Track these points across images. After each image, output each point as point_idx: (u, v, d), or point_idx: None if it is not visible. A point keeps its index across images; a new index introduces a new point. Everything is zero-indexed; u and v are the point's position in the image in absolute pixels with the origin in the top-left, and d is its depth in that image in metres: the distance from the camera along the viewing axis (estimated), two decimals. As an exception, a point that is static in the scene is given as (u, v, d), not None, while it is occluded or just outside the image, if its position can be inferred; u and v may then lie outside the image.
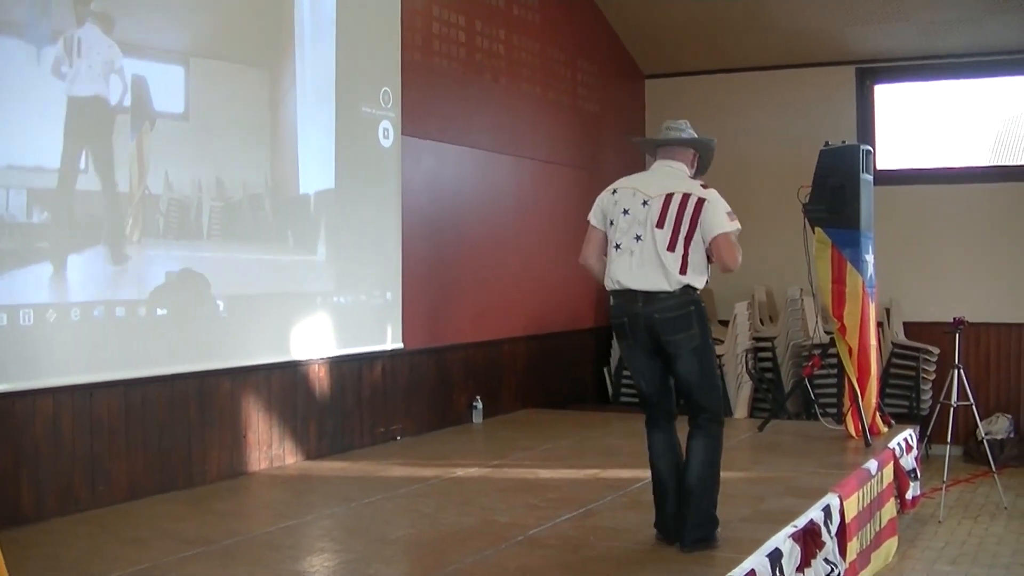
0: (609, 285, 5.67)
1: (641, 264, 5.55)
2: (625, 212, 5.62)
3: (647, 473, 7.22)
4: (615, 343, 11.70)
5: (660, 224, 5.54)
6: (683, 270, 5.52)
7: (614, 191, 5.73)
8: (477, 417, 9.67)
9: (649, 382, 5.76)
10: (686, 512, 5.54)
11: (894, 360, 11.30)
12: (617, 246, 5.62)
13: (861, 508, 6.92)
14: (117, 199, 6.42)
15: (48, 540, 5.64)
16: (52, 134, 6.06)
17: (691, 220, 5.53)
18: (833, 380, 10.28)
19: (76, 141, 6.20)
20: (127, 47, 6.50)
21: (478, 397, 9.71)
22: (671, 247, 5.52)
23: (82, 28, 6.21)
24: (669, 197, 5.57)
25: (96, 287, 6.30)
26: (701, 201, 5.56)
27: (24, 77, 5.88)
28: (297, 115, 7.77)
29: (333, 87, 8.06)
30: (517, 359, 10.49)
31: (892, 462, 8.00)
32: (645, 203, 5.59)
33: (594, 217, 5.78)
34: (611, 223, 5.66)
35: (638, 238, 5.56)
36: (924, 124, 12.28)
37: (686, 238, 5.52)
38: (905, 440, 8.52)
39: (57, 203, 6.08)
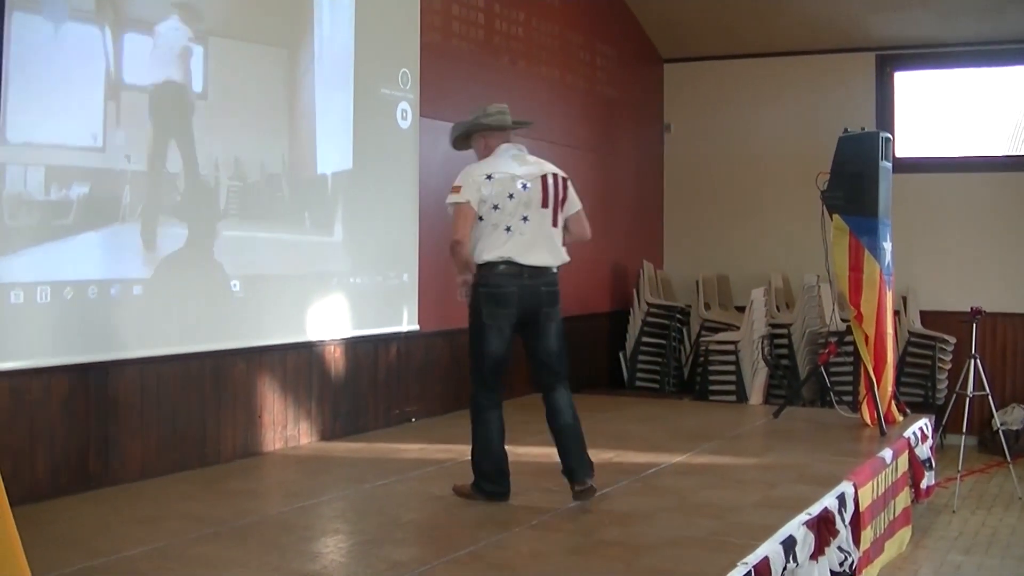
0: (488, 259, 5.99)
1: (533, 243, 6.03)
2: (511, 196, 6.00)
3: (662, 458, 7.27)
4: (630, 327, 11.70)
5: (544, 204, 6.08)
6: (563, 242, 6.20)
7: (488, 176, 6.01)
8: (491, 400, 9.64)
9: (505, 350, 6.13)
10: (581, 451, 6.11)
11: (910, 349, 11.27)
12: (508, 228, 5.99)
13: (875, 497, 6.90)
14: (135, 178, 6.42)
15: (62, 518, 5.66)
16: (68, 112, 6.06)
17: (563, 198, 6.17)
18: (849, 368, 10.23)
19: (93, 119, 6.19)
20: (145, 25, 6.49)
21: (493, 380, 9.68)
22: (555, 223, 6.14)
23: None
24: (544, 178, 6.11)
25: (113, 265, 6.31)
26: (565, 180, 6.22)
27: (42, 54, 5.87)
28: (315, 95, 7.76)
29: (352, 68, 8.04)
30: (532, 342, 10.46)
31: (907, 451, 7.99)
32: (525, 186, 6.04)
33: (472, 199, 5.97)
34: (494, 207, 5.97)
35: (525, 219, 6.01)
36: (944, 112, 12.22)
37: (562, 214, 6.18)
38: (920, 429, 8.50)
39: (74, 181, 6.07)
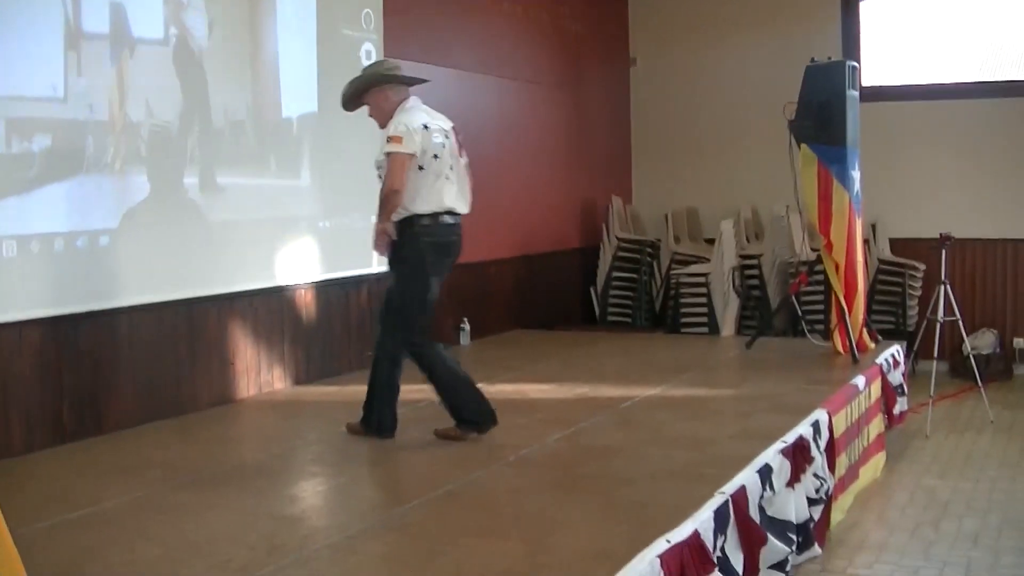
0: (432, 209, 6.03)
1: (460, 191, 6.19)
2: (443, 146, 6.09)
3: (636, 391, 7.29)
4: (600, 263, 11.70)
5: (460, 153, 6.24)
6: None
7: (425, 126, 6.03)
8: (464, 339, 9.66)
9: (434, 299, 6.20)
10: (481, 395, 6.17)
11: (880, 277, 11.31)
12: (447, 177, 6.09)
13: (849, 424, 6.95)
14: (98, 127, 6.35)
15: (39, 472, 5.65)
16: (27, 63, 5.97)
17: (460, 149, 6.27)
18: (820, 297, 10.28)
19: (53, 69, 6.12)
20: (103, -28, 6.42)
21: (465, 319, 9.70)
22: (466, 173, 6.30)
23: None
24: (452, 130, 6.23)
25: (78, 217, 6.25)
26: (457, 131, 6.28)
27: (-1, 4, 5.80)
28: (278, 39, 7.68)
29: (314, 9, 7.96)
30: (504, 280, 10.47)
31: (879, 378, 8.04)
32: (447, 136, 6.15)
33: (416, 149, 5.95)
34: (435, 157, 6.03)
35: (452, 168, 6.13)
36: (912, 39, 12.20)
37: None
38: (892, 356, 8.56)
39: (36, 133, 6.00)
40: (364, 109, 6.33)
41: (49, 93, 6.11)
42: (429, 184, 5.98)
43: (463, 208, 6.18)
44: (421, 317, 6.11)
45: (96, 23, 6.37)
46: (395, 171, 5.90)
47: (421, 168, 5.95)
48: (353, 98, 6.33)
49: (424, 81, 6.45)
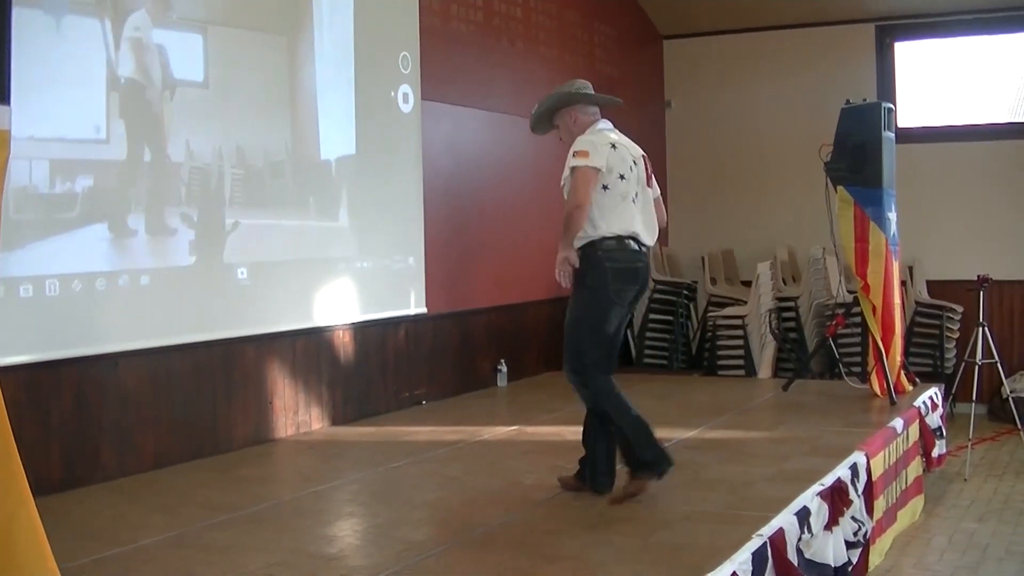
0: (617, 232, 5.66)
1: (645, 219, 5.82)
2: (631, 168, 5.77)
3: (672, 434, 7.26)
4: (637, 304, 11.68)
5: (648, 183, 5.92)
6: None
7: (612, 145, 5.74)
8: (501, 380, 9.68)
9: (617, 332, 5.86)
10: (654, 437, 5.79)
11: (918, 319, 11.27)
12: (633, 200, 5.74)
13: (887, 466, 6.92)
14: (139, 169, 6.42)
15: (78, 509, 5.68)
16: (71, 105, 6.06)
17: (649, 179, 5.95)
18: (857, 339, 10.26)
19: (96, 111, 6.20)
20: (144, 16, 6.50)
21: (502, 361, 9.72)
22: (655, 205, 5.96)
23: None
24: (644, 158, 5.94)
25: (119, 257, 6.31)
26: (647, 160, 5.97)
27: (44, 47, 5.87)
28: (316, 82, 7.75)
29: (352, 53, 8.03)
30: (540, 322, 10.47)
31: (918, 420, 8.00)
32: (635, 162, 5.82)
33: (602, 165, 5.63)
34: (621, 177, 5.69)
35: (637, 195, 5.78)
36: (945, 81, 12.20)
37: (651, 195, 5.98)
38: (930, 398, 8.51)
39: (79, 173, 6.08)
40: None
41: (92, 135, 6.19)
42: (614, 205, 5.64)
43: (648, 238, 5.79)
44: (605, 349, 5.77)
45: (138, 66, 6.45)
46: (579, 186, 5.58)
47: (606, 188, 5.63)
48: (542, 119, 6.12)
49: (617, 102, 6.23)
